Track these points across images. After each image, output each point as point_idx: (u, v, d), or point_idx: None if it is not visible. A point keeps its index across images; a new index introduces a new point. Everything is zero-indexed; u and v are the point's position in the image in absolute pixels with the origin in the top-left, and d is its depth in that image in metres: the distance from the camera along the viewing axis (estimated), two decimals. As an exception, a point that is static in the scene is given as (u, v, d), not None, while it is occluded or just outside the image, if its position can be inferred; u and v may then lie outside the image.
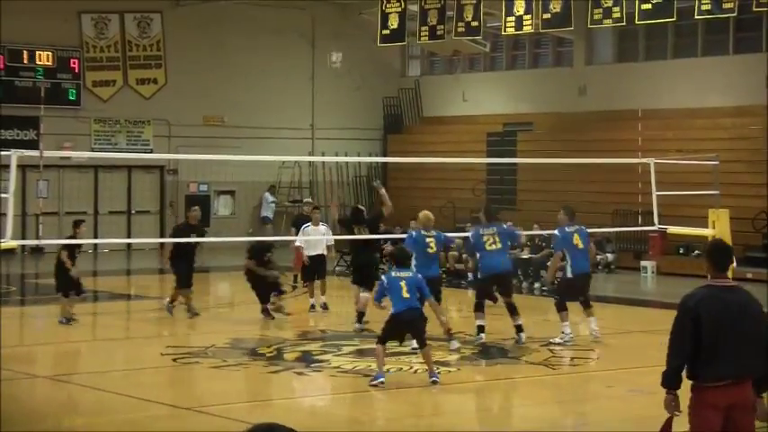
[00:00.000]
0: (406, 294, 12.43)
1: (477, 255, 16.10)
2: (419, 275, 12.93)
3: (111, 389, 12.88)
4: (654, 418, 7.59)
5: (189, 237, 17.77)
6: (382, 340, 12.68)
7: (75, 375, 13.62)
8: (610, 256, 26.77)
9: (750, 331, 7.24)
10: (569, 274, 15.94)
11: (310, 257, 18.53)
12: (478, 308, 15.78)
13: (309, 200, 22.54)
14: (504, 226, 16.47)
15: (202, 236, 18.53)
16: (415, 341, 12.99)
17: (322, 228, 18.85)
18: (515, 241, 17.50)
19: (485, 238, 15.65)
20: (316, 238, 18.45)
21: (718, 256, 7.44)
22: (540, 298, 22.49)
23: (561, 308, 15.84)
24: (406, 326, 12.63)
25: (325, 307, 18.60)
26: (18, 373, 13.39)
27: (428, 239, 15.26)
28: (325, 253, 18.83)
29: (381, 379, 12.40)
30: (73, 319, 17.18)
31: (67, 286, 17.15)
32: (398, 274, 12.63)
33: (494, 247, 15.65)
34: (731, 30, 28.26)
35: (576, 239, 15.95)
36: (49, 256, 30.13)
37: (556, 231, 16.25)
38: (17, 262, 28.49)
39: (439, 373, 12.83)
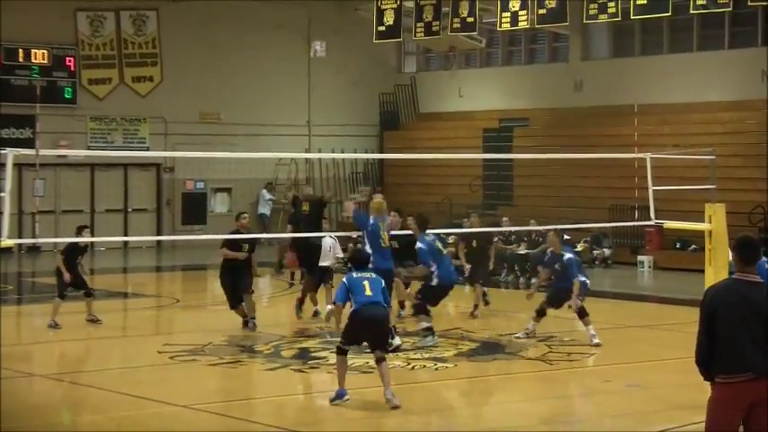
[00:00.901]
0: (368, 292, 11.42)
1: (435, 264, 15.16)
2: (382, 282, 11.74)
3: (108, 387, 12.87)
4: (651, 413, 7.64)
5: (238, 247, 16.45)
6: (343, 347, 11.52)
7: (73, 374, 13.62)
8: (606, 251, 26.78)
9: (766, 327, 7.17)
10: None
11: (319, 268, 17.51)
12: (422, 310, 15.11)
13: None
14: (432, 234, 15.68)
15: (252, 247, 16.71)
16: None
17: (329, 240, 17.57)
18: None
19: (437, 245, 15.30)
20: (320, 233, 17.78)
21: (743, 251, 7.40)
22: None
23: (583, 314, 15.50)
24: (367, 324, 11.38)
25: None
26: (16, 372, 13.38)
27: (382, 232, 14.78)
28: (330, 264, 17.63)
29: (345, 397, 11.41)
30: (97, 320, 17.21)
31: (63, 290, 17.15)
32: (361, 275, 11.65)
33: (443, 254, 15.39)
34: (727, 24, 28.28)
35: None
36: (46, 254, 30.25)
37: (570, 255, 15.78)
38: (14, 261, 28.47)
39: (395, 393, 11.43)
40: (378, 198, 16.07)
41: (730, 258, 18.46)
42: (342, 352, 11.55)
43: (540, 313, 15.81)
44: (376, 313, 11.41)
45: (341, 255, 18.23)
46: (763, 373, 7.14)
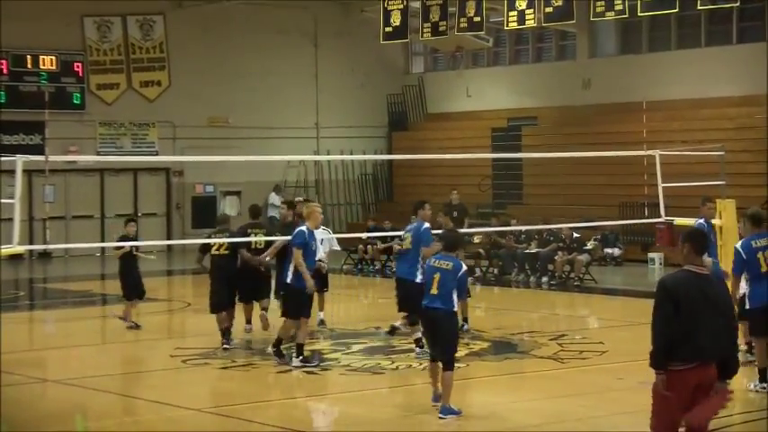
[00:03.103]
0: (434, 290, 10.85)
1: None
2: (464, 268, 11.02)
3: (121, 391, 12.92)
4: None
5: None
6: (430, 352, 11.29)
7: (85, 378, 13.63)
8: (617, 250, 26.70)
9: (719, 316, 7.58)
10: None
11: None
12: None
13: (300, 198, 22.13)
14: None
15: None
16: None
17: (321, 232, 15.43)
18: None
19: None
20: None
21: (698, 242, 7.75)
22: (549, 292, 22.49)
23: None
24: (427, 328, 11.19)
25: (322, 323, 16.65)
26: (30, 378, 13.42)
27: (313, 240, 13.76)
28: (320, 258, 15.50)
29: (437, 403, 11.05)
30: (135, 324, 17.11)
31: (132, 290, 17.10)
32: (438, 264, 11.00)
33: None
34: (734, 19, 28.23)
35: None
36: (57, 260, 30.34)
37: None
38: (25, 267, 28.54)
39: (459, 412, 10.97)
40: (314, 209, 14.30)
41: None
42: (434, 360, 11.10)
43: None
44: (435, 317, 10.87)
45: (337, 248, 17.45)
46: (708, 359, 7.54)
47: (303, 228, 13.66)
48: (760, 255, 11.65)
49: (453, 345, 11.03)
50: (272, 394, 12.95)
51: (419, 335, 13.76)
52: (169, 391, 12.81)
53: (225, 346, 14.95)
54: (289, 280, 13.61)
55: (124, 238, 17.31)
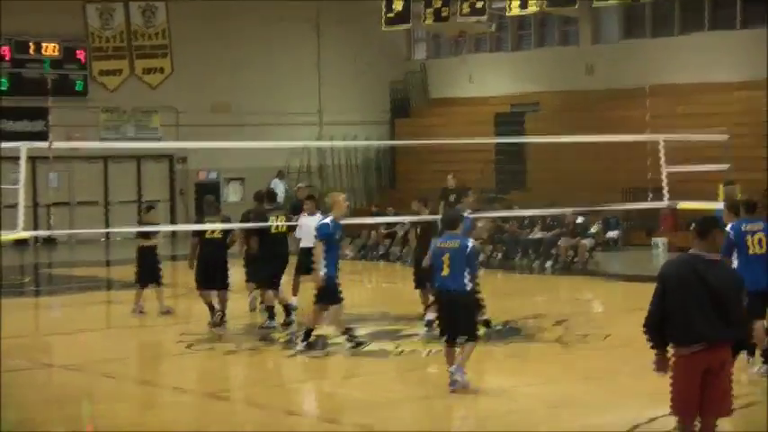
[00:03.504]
0: (446, 270, 11.03)
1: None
2: (469, 243, 11.17)
3: (127, 376, 12.96)
4: (666, 394, 7.70)
5: None
6: (441, 334, 11.32)
7: (91, 363, 13.70)
8: (615, 233, 26.67)
9: (716, 299, 7.54)
10: None
11: (301, 249, 16.11)
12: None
13: (301, 185, 22.10)
14: None
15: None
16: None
17: (318, 218, 15.03)
18: None
19: None
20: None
21: (698, 226, 7.83)
22: (551, 277, 22.53)
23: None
24: (445, 309, 11.23)
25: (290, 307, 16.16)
26: (35, 363, 13.47)
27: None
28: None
29: (455, 376, 11.11)
30: (142, 310, 17.20)
31: (147, 277, 17.15)
32: (444, 245, 11.16)
33: None
34: (738, 4, 28.19)
35: None
36: (61, 246, 30.38)
37: None
38: (30, 253, 28.60)
39: (465, 373, 11.18)
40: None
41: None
42: (449, 344, 11.19)
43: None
44: (451, 298, 11.07)
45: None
46: (713, 341, 7.54)
47: (327, 220, 13.61)
48: (749, 238, 11.80)
49: (473, 320, 11.39)
50: (276, 378, 13.00)
51: (431, 317, 13.92)
52: (175, 375, 12.86)
53: (219, 320, 15.30)
54: (326, 270, 13.50)
55: (145, 225, 17.35)
